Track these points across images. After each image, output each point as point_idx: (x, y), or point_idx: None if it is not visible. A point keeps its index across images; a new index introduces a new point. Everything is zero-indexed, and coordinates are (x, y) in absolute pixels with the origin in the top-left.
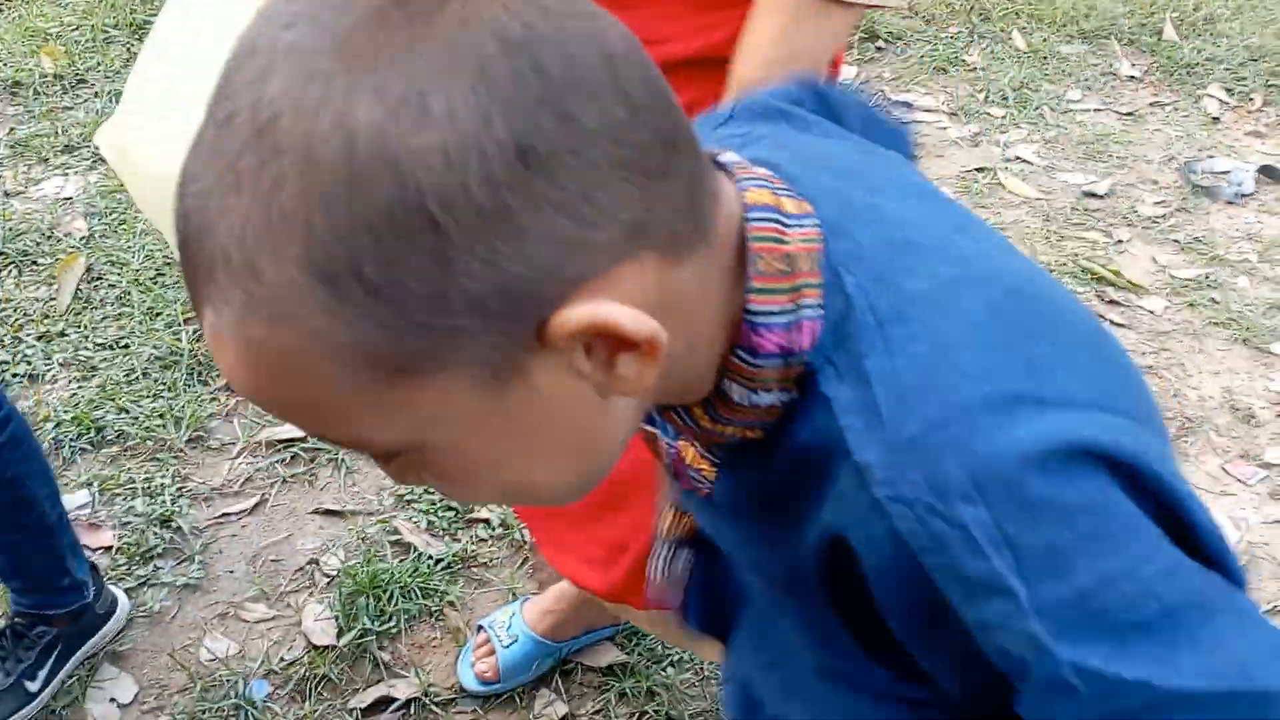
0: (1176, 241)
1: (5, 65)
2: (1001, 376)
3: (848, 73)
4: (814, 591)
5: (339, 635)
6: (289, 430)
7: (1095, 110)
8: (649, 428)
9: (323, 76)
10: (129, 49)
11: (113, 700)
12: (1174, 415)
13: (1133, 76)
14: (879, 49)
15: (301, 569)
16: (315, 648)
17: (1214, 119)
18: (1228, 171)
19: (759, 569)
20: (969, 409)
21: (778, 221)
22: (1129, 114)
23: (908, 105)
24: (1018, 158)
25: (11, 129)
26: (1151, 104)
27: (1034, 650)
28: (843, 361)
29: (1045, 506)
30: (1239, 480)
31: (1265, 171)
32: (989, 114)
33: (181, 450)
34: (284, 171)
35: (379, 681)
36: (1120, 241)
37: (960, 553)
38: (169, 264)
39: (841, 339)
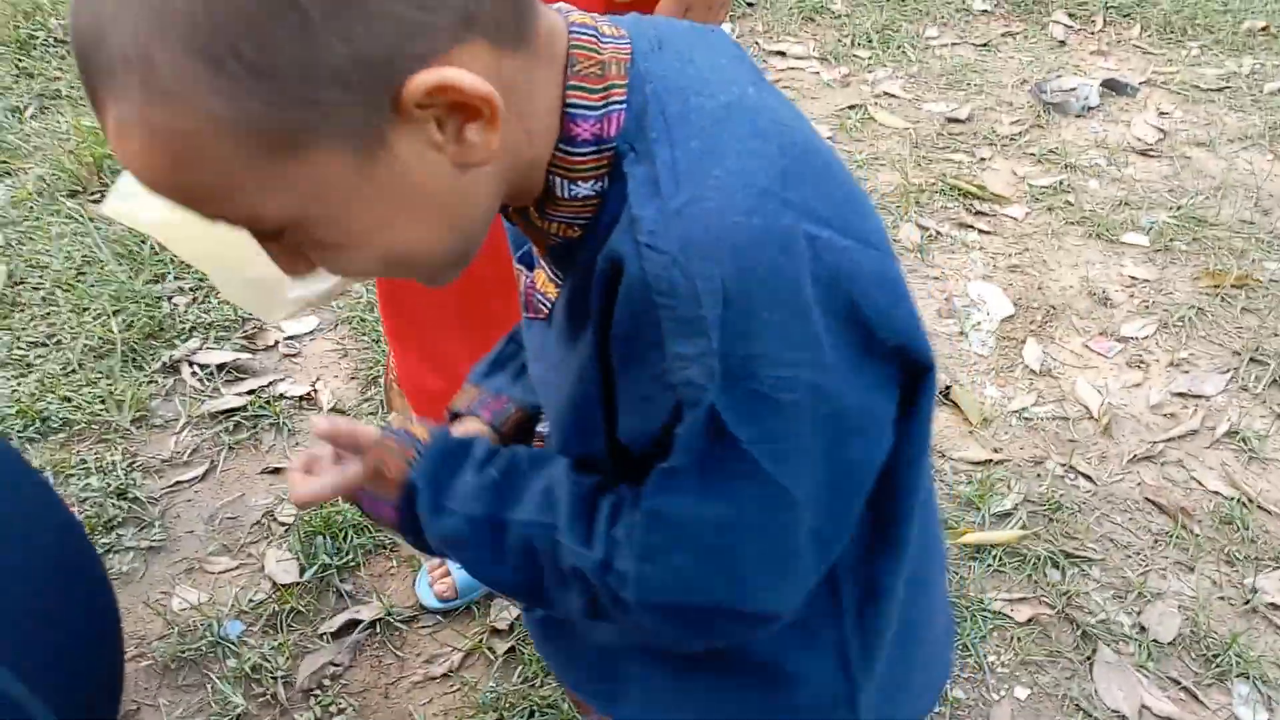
0: (1033, 154)
1: None
2: (756, 175)
3: (724, 29)
4: (593, 360)
5: (301, 573)
6: (230, 401)
7: (952, 45)
8: (517, 266)
9: None
10: (16, 64)
11: None
12: (1039, 305)
13: (985, 10)
14: (750, 4)
15: (258, 522)
16: (280, 587)
17: (1060, 43)
18: (1074, 88)
19: (562, 380)
20: (725, 192)
21: (595, 35)
22: (983, 45)
23: (781, 54)
24: (885, 93)
25: None
26: (1003, 34)
27: (704, 383)
28: (640, 147)
29: (759, 283)
30: (1100, 354)
31: (1108, 85)
32: (856, 56)
33: (127, 430)
34: None
35: (344, 610)
36: (983, 160)
37: (684, 298)
38: (89, 263)
39: (640, 130)
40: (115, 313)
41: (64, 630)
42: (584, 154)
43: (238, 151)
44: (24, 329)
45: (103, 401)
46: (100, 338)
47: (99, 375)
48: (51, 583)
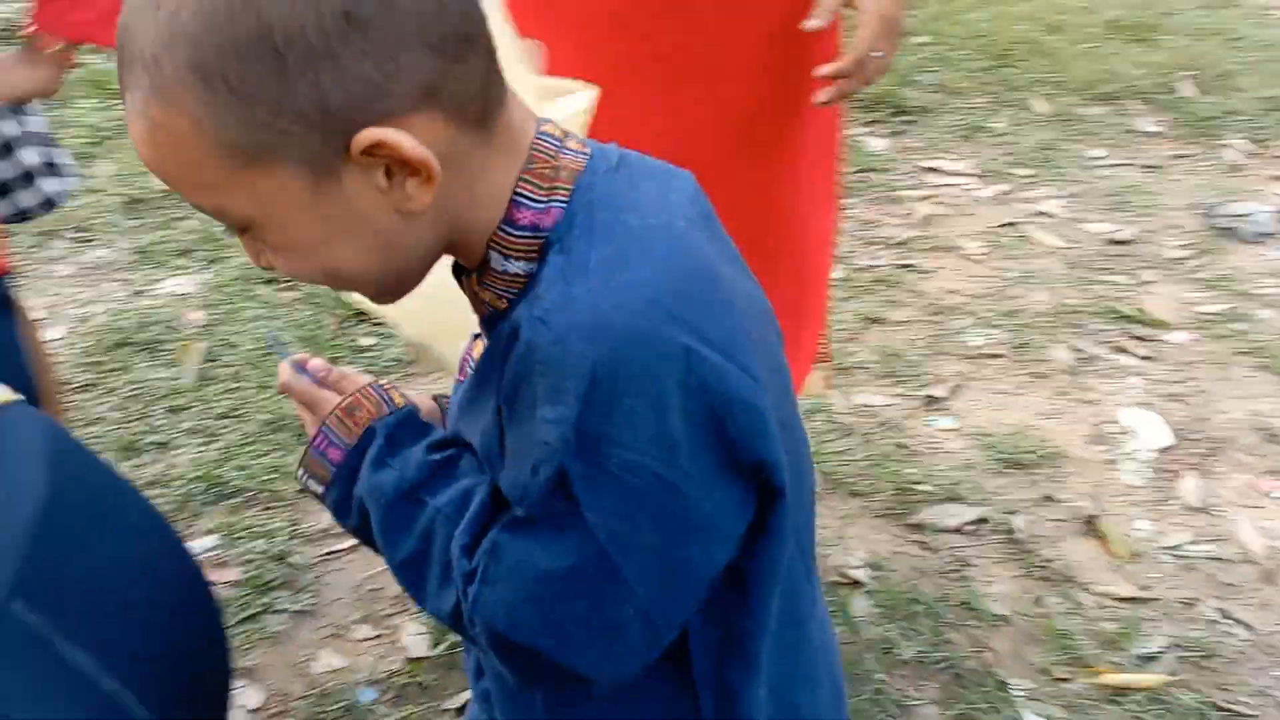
0: (1200, 280)
1: (126, 185)
2: (654, 287)
3: (880, 145)
4: (493, 415)
5: (433, 647)
6: None
7: (1118, 165)
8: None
9: None
10: None
11: (242, 706)
12: (1201, 438)
13: (1153, 133)
14: (908, 122)
15: (399, 596)
16: (413, 660)
17: (1235, 167)
18: (1249, 214)
19: (473, 436)
20: (620, 293)
21: (557, 144)
22: (1151, 167)
23: (935, 170)
24: (1043, 212)
25: (135, 239)
26: (1173, 157)
27: (559, 446)
28: (564, 242)
29: (628, 375)
30: (1266, 495)
31: None
32: (1015, 174)
33: (293, 500)
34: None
35: (466, 689)
36: (1145, 283)
37: (556, 370)
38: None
39: (569, 228)
40: None
41: (183, 665)
42: (519, 236)
43: (211, 154)
44: (214, 401)
45: (274, 471)
46: (278, 413)
47: (273, 447)
48: (176, 618)
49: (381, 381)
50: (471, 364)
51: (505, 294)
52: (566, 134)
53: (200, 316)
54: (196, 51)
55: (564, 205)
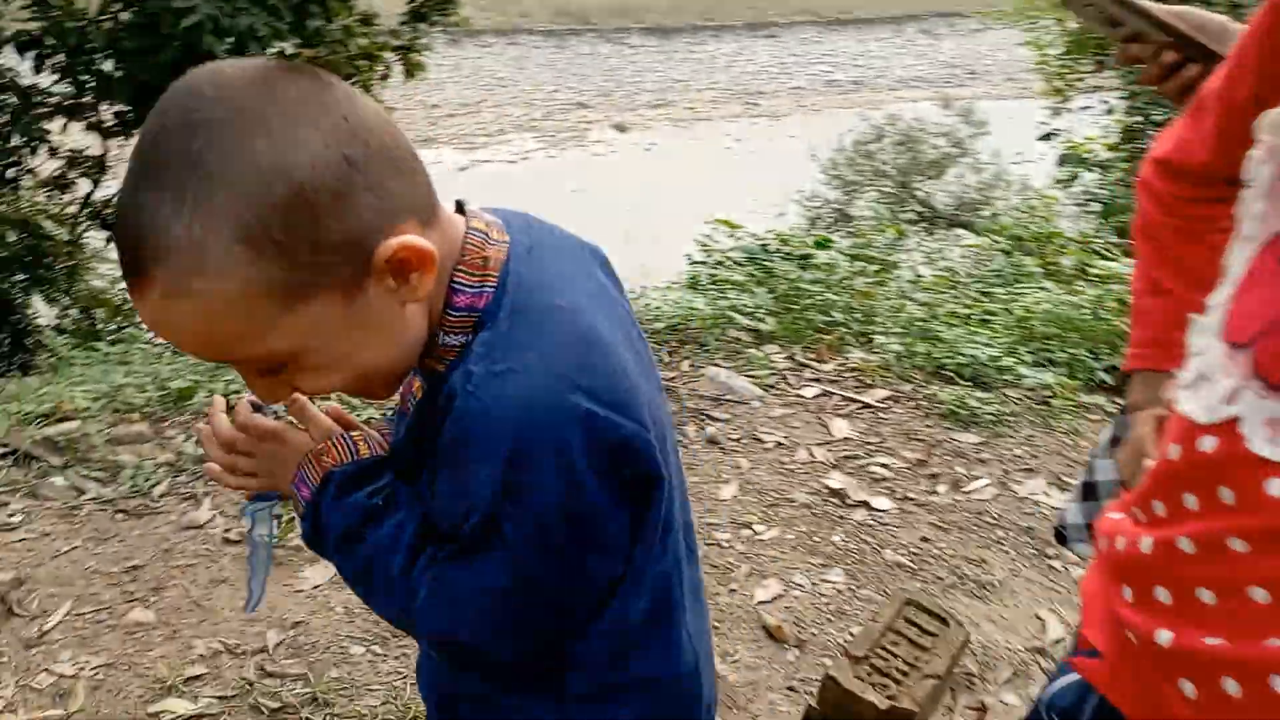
0: None
1: None
2: (559, 362)
3: None
4: (430, 455)
5: None
6: None
7: None
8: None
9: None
10: None
11: None
12: None
13: None
14: None
15: None
16: None
17: None
18: None
19: (408, 460)
20: (531, 370)
21: (485, 237)
22: None
23: None
24: None
25: None
26: None
27: (489, 494)
28: (490, 323)
29: (540, 438)
30: None
31: None
32: None
33: None
34: (217, 188)
35: None
36: None
37: (483, 435)
38: None
39: (496, 309)
40: None
41: None
42: (457, 316)
43: (262, 304)
44: None
45: None
46: None
47: None
48: None
49: (352, 432)
50: (412, 400)
51: (443, 360)
52: (488, 224)
53: None
54: (241, 226)
55: (493, 289)
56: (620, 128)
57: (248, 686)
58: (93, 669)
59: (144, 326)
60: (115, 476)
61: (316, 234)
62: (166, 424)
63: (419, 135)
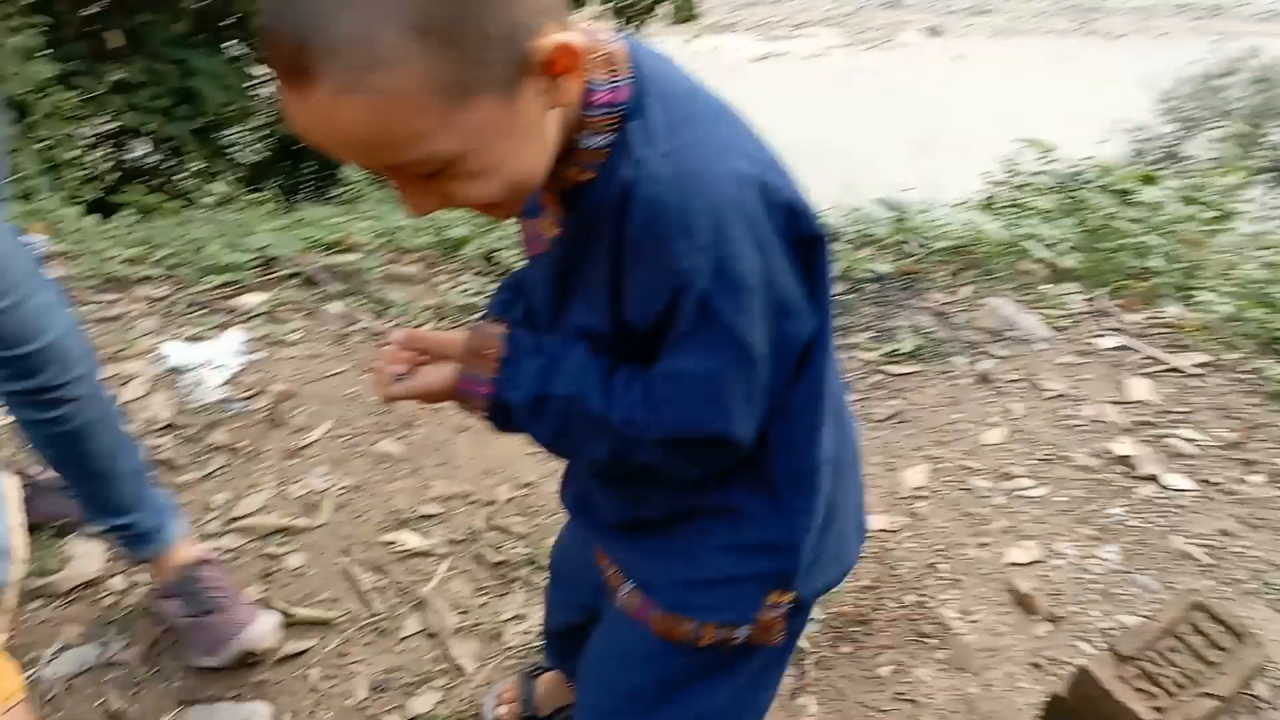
0: None
1: None
2: (721, 135)
3: None
4: (606, 263)
5: None
6: None
7: None
8: (523, 219)
9: None
10: None
11: None
12: None
13: None
14: None
15: None
16: None
17: None
18: None
19: (577, 294)
20: (699, 144)
21: (594, 35)
22: None
23: None
24: None
25: None
26: None
27: (698, 269)
28: (638, 113)
29: (728, 205)
30: None
31: None
32: None
33: None
34: None
35: None
36: None
37: (682, 213)
38: None
39: (639, 100)
40: None
41: None
42: (599, 115)
43: (430, 102)
44: None
45: None
46: None
47: None
48: None
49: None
50: (542, 238)
51: (589, 167)
52: (587, 29)
53: None
54: (411, 14)
55: (628, 81)
56: (934, 31)
57: (474, 535)
58: (340, 489)
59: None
60: (384, 311)
61: (483, 25)
62: (436, 270)
63: (719, 21)
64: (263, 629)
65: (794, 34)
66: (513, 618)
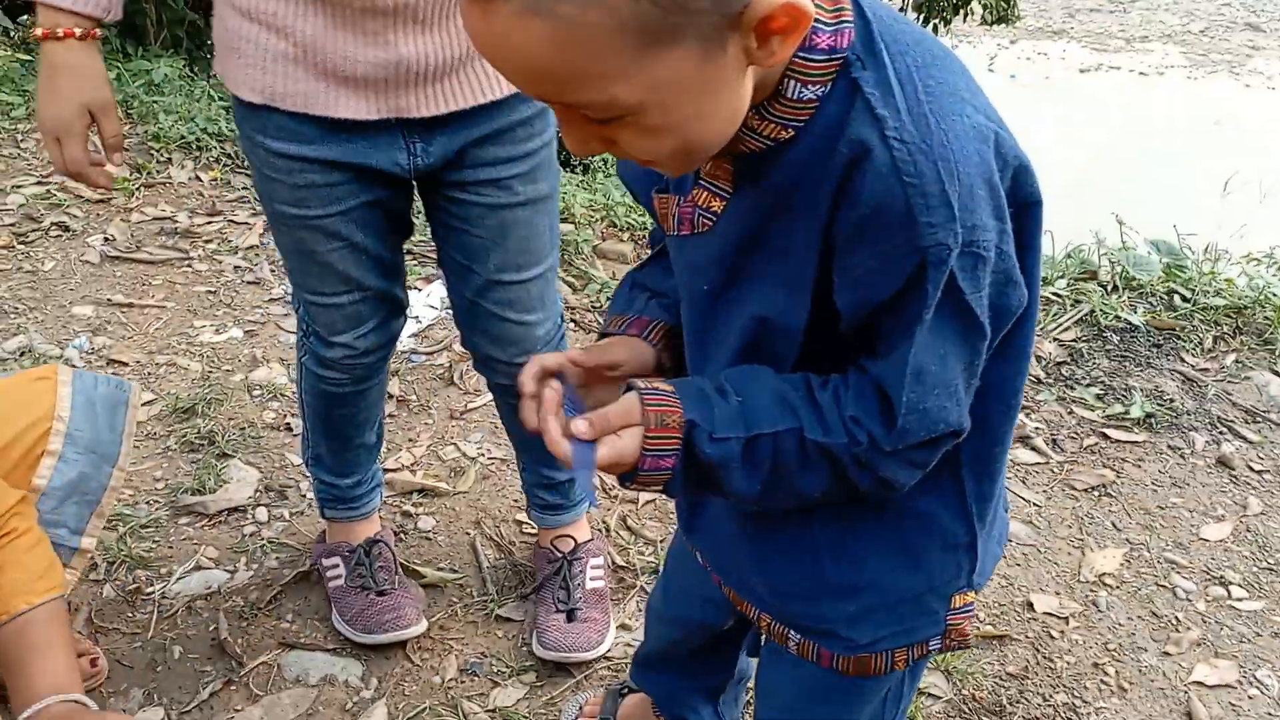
0: None
1: None
2: (957, 86)
3: None
4: (809, 239)
5: None
6: None
7: None
8: (657, 195)
9: None
10: None
11: None
12: None
13: None
14: None
15: None
16: None
17: None
18: None
19: (753, 270)
20: (939, 97)
21: None
22: None
23: None
24: None
25: None
26: None
27: (951, 244)
28: (868, 60)
29: (974, 167)
30: None
31: None
32: None
33: None
34: None
35: None
36: None
37: (929, 178)
38: None
39: (868, 46)
40: None
41: None
42: (819, 60)
43: (620, 43)
44: None
45: None
46: None
47: None
48: None
49: (636, 385)
50: (703, 214)
51: (791, 123)
52: None
53: None
54: None
55: (852, 24)
56: None
57: (605, 531)
58: (489, 459)
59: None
60: (584, 287)
61: None
62: (646, 251)
63: (1052, 26)
64: (418, 631)
65: (1130, 48)
66: (620, 626)
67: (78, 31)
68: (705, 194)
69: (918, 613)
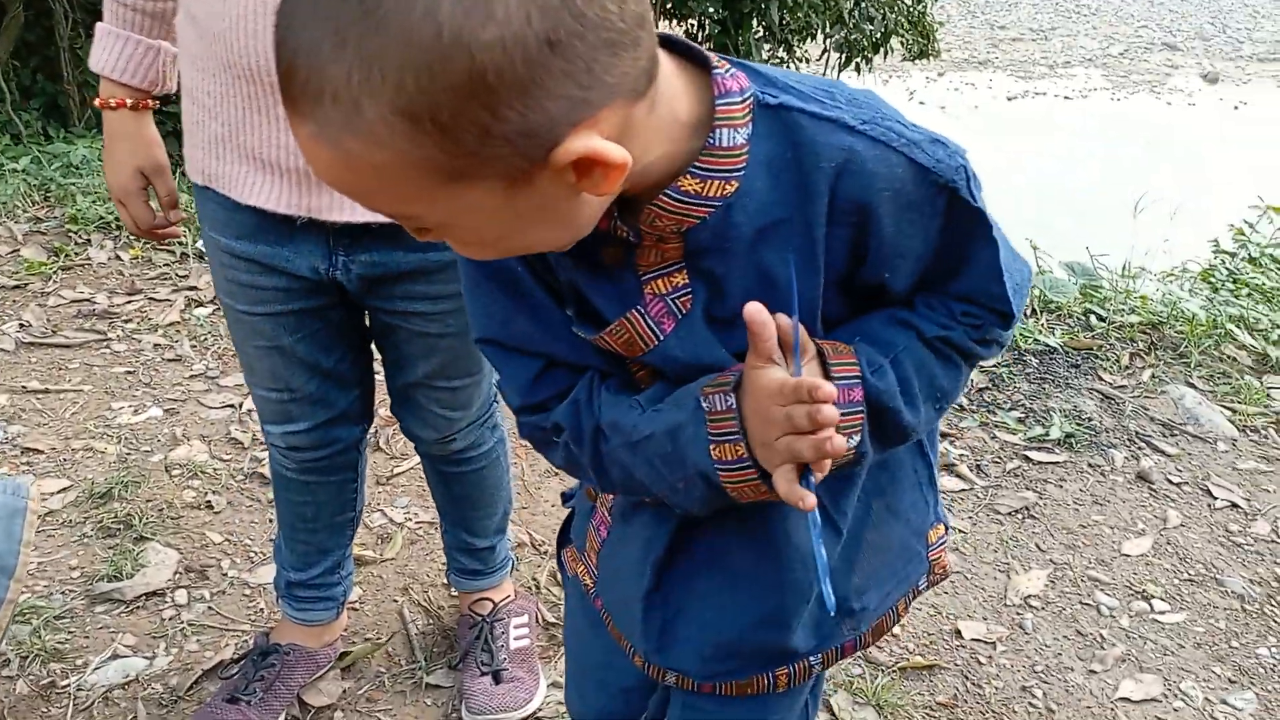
0: None
1: None
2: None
3: None
4: (810, 247)
5: None
6: None
7: None
8: (625, 318)
9: None
10: None
11: None
12: None
13: None
14: None
15: None
16: None
17: None
18: None
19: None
20: (856, 104)
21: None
22: None
23: None
24: None
25: None
26: None
27: (962, 164)
28: (774, 91)
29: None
30: None
31: None
32: None
33: None
34: (386, 44)
35: None
36: None
37: (908, 132)
38: None
39: (766, 81)
40: None
41: None
42: (739, 102)
43: (413, 178)
44: None
45: None
46: None
47: None
48: None
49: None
50: (674, 298)
51: (734, 174)
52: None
53: None
54: (403, 97)
55: (735, 68)
56: (1210, 79)
57: (534, 589)
58: (417, 523)
59: None
60: None
61: (490, 124)
62: None
63: (977, 57)
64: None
65: (1053, 74)
66: (551, 684)
67: (129, 102)
68: (660, 281)
69: (908, 558)
